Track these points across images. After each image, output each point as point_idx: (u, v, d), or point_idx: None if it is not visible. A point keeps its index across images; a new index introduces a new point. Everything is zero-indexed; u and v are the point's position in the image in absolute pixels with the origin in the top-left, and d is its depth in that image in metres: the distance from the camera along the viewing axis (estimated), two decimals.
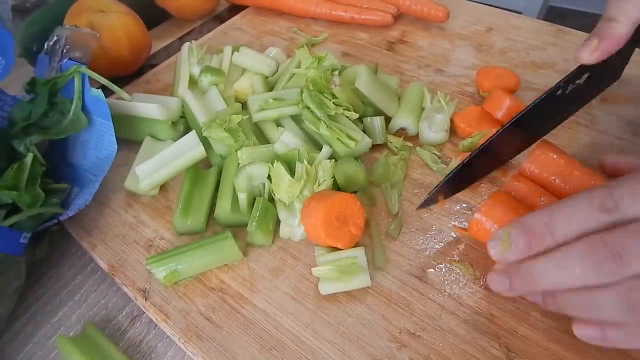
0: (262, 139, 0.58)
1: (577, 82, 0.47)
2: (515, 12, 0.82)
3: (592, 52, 0.44)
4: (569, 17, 1.92)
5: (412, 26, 0.80)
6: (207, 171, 0.56)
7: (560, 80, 0.45)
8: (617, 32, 0.43)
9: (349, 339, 0.43)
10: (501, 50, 0.73)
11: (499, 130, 0.45)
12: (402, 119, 0.59)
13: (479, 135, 0.55)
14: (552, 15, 1.88)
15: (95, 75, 0.53)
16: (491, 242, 0.39)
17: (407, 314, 0.44)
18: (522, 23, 0.78)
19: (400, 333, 0.43)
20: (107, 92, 0.55)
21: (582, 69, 0.46)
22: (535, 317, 0.43)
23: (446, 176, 0.46)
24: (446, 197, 0.50)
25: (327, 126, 0.52)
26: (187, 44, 0.67)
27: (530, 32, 0.76)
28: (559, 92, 0.46)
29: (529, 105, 0.44)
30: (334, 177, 0.51)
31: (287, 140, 0.53)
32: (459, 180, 0.48)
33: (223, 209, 0.50)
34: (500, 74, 0.64)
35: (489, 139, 0.45)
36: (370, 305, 0.45)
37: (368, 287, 0.46)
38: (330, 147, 0.53)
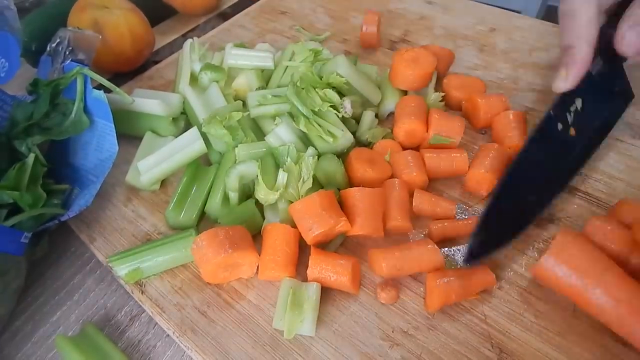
0: (261, 136, 0.58)
1: (572, 109, 0.50)
2: (514, 11, 0.81)
3: (564, 81, 0.49)
4: None
5: (414, 26, 0.80)
6: (207, 168, 0.56)
7: (550, 110, 0.49)
8: (578, 57, 0.48)
9: (342, 337, 0.43)
10: (504, 50, 0.73)
11: (505, 176, 0.46)
12: (390, 103, 0.59)
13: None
14: (551, 14, 1.86)
15: (98, 77, 0.54)
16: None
17: (401, 312, 0.44)
18: (526, 24, 0.78)
19: (393, 332, 0.43)
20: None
21: (566, 95, 0.50)
22: (528, 318, 0.43)
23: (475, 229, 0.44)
24: (499, 248, 0.45)
25: (306, 122, 0.52)
26: (189, 41, 0.68)
27: (533, 33, 0.75)
28: (560, 125, 0.49)
29: (525, 146, 0.47)
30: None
31: (280, 133, 0.53)
32: (493, 230, 0.45)
33: (213, 204, 0.51)
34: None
35: (498, 185, 0.46)
36: (364, 303, 0.45)
37: (362, 285, 0.47)
38: (312, 143, 0.53)
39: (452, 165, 0.53)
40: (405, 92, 0.62)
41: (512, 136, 0.54)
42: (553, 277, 0.40)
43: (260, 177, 0.48)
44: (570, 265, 0.39)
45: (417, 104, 0.56)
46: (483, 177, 0.51)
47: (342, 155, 0.54)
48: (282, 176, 0.48)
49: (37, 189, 0.48)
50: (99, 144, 0.54)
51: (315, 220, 0.44)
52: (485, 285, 0.45)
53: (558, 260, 0.40)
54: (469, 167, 0.53)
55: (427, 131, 0.55)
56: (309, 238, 0.45)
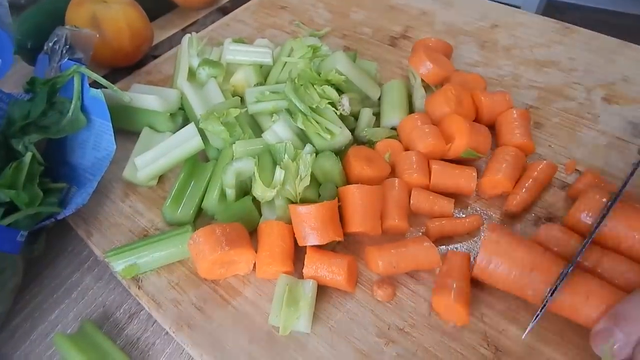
0: (259, 133, 0.58)
1: None
2: (514, 6, 0.80)
3: None
4: (568, 11, 1.87)
5: (415, 21, 0.79)
6: (204, 164, 0.56)
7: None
8: None
9: (338, 333, 0.43)
10: (505, 47, 0.72)
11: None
12: (390, 119, 0.58)
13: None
14: (551, 9, 1.84)
15: (95, 76, 0.53)
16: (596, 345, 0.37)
17: (397, 310, 0.44)
18: (528, 20, 0.77)
19: (389, 329, 0.43)
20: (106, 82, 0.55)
21: None
22: (525, 317, 0.43)
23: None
24: None
25: (303, 119, 0.52)
26: (187, 36, 0.67)
27: (535, 30, 0.75)
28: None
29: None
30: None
31: (278, 130, 0.53)
32: None
33: (210, 200, 0.51)
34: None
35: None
36: (360, 300, 0.45)
37: (359, 283, 0.47)
38: (310, 140, 0.53)
39: (457, 182, 0.51)
40: (409, 102, 0.62)
41: (517, 134, 0.54)
42: (490, 274, 0.42)
43: (257, 174, 0.48)
44: (503, 258, 0.41)
45: (423, 121, 0.55)
46: (498, 182, 0.50)
47: (340, 153, 0.53)
48: (279, 173, 0.48)
49: (33, 187, 0.48)
50: (97, 143, 0.54)
51: (313, 232, 0.45)
52: (467, 261, 0.46)
53: (492, 256, 0.41)
54: (485, 170, 0.52)
55: (446, 144, 0.53)
56: (302, 243, 0.46)
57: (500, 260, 0.41)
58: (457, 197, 0.52)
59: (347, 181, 0.52)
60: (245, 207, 0.49)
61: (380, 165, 0.52)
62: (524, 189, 0.50)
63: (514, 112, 0.55)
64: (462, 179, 0.51)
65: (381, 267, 0.44)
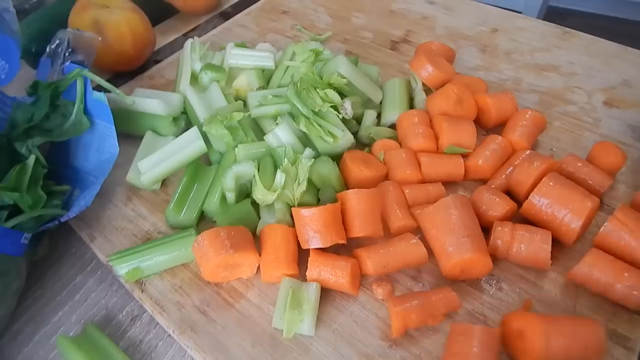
0: (262, 136, 0.58)
1: None
2: (515, 11, 0.81)
3: None
4: (568, 17, 1.89)
5: (416, 26, 0.80)
6: (207, 167, 0.56)
7: None
8: None
9: (341, 336, 0.43)
10: (505, 51, 0.73)
11: None
12: (390, 115, 0.59)
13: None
14: (552, 15, 1.86)
15: (97, 79, 0.54)
16: None
17: None
18: (528, 25, 0.77)
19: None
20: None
21: None
22: None
23: None
24: None
25: (306, 123, 0.52)
26: (189, 41, 0.68)
27: (535, 34, 0.75)
28: None
29: None
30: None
31: (280, 133, 0.53)
32: None
33: (211, 203, 0.51)
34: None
35: None
36: (363, 303, 0.45)
37: (362, 285, 0.47)
38: (313, 144, 0.53)
39: (447, 170, 0.53)
40: (410, 99, 0.62)
41: (515, 132, 0.55)
42: None
43: (257, 178, 0.48)
44: None
45: (420, 119, 0.56)
46: (479, 167, 0.52)
47: (336, 158, 0.54)
48: (280, 177, 0.48)
49: (37, 190, 0.48)
50: (100, 146, 0.54)
51: (316, 235, 0.45)
52: (450, 308, 0.43)
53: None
54: (470, 154, 0.54)
55: (437, 140, 0.55)
56: (305, 246, 0.46)
57: None
58: (447, 185, 0.53)
59: (346, 185, 0.52)
60: (244, 210, 0.50)
61: (376, 165, 0.52)
62: (504, 176, 0.51)
63: (528, 113, 0.56)
64: (452, 165, 0.53)
65: (371, 267, 0.45)
